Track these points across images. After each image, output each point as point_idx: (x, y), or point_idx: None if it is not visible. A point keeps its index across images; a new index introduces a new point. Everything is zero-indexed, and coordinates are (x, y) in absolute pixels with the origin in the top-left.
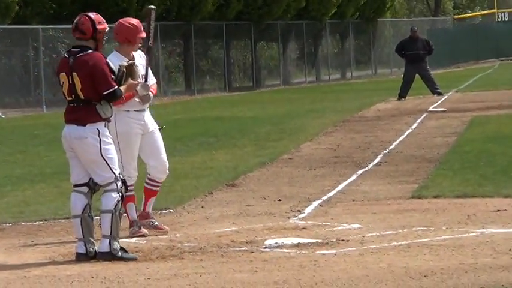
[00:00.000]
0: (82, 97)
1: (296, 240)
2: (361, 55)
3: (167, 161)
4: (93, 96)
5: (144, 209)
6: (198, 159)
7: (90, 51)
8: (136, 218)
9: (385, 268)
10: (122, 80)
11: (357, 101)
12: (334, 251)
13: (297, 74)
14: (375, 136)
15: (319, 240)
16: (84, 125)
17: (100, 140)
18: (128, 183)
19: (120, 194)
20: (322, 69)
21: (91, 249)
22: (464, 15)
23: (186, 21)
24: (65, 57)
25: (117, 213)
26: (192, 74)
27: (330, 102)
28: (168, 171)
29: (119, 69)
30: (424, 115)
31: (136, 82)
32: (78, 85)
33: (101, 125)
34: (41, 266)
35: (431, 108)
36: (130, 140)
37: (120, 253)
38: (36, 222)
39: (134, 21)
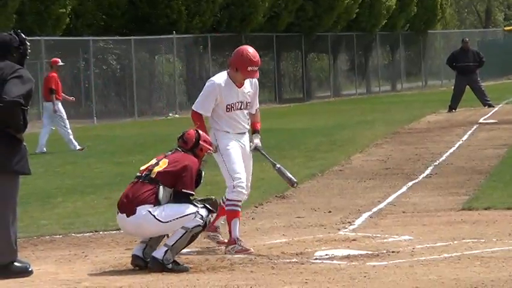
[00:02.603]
0: (153, 176)
1: (346, 252)
2: (411, 67)
3: (249, 185)
4: (164, 181)
5: (213, 222)
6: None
7: (191, 156)
8: (238, 235)
9: (435, 280)
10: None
11: (407, 113)
12: (384, 263)
13: (347, 86)
14: (425, 148)
15: (370, 252)
16: (142, 204)
17: (155, 215)
18: (237, 198)
19: (203, 222)
20: (372, 80)
21: (146, 255)
22: None
23: (237, 32)
24: (165, 153)
25: (192, 233)
26: None
27: (380, 114)
28: (248, 194)
29: (209, 198)
30: (475, 127)
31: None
32: (160, 166)
33: (150, 207)
34: (92, 277)
35: (481, 120)
36: (232, 151)
37: (171, 265)
38: (87, 234)
39: (252, 55)
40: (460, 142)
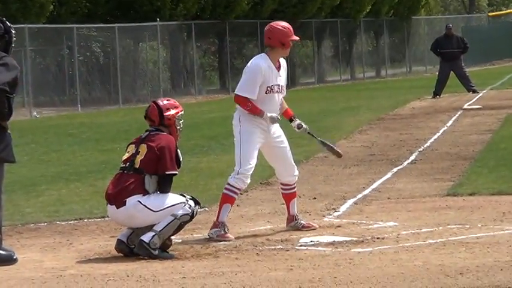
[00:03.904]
0: (137, 166)
1: (331, 239)
2: (395, 53)
3: (294, 165)
4: (147, 169)
5: (288, 213)
6: (233, 157)
7: (165, 133)
8: (225, 221)
9: (420, 266)
10: None
11: (391, 99)
12: (369, 249)
13: (332, 72)
14: (410, 134)
15: (354, 238)
16: (131, 195)
17: (146, 205)
18: (237, 185)
19: (191, 212)
20: (356, 67)
21: (131, 241)
22: (499, 13)
23: (221, 19)
24: (140, 135)
25: (180, 222)
26: (227, 73)
27: (364, 100)
28: (296, 174)
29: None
30: (459, 113)
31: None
32: (141, 154)
33: (140, 197)
34: (77, 264)
35: (466, 106)
36: (250, 138)
37: (156, 252)
38: (72, 222)
39: (285, 24)
40: (445, 128)
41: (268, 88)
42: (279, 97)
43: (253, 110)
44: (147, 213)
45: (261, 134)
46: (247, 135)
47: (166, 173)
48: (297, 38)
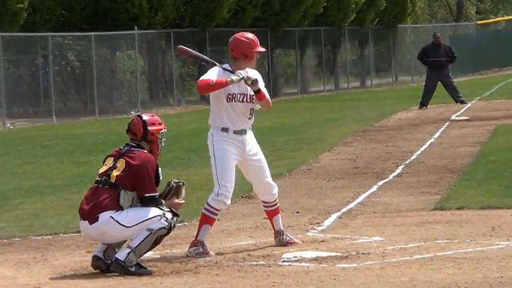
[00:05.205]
0: (112, 181)
1: (315, 254)
2: (381, 62)
3: (272, 183)
4: (123, 185)
5: (273, 229)
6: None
7: (145, 151)
8: (204, 240)
9: (407, 282)
10: (167, 195)
11: (377, 110)
12: (354, 265)
13: (315, 82)
14: (396, 146)
15: (339, 254)
16: (104, 211)
17: (118, 221)
18: (217, 206)
19: (168, 225)
20: (341, 77)
21: (107, 257)
22: (487, 21)
23: (201, 28)
24: (120, 148)
25: (156, 236)
26: None
27: (349, 111)
28: (274, 192)
29: (168, 184)
30: (447, 124)
31: (181, 202)
32: (118, 169)
33: (113, 212)
34: (52, 281)
35: (454, 117)
36: (225, 156)
37: (134, 268)
38: (46, 236)
39: (250, 35)
40: (432, 140)
41: (230, 96)
42: (246, 107)
43: (219, 83)
44: (119, 229)
45: (236, 151)
46: (222, 153)
47: (146, 195)
48: (263, 50)
